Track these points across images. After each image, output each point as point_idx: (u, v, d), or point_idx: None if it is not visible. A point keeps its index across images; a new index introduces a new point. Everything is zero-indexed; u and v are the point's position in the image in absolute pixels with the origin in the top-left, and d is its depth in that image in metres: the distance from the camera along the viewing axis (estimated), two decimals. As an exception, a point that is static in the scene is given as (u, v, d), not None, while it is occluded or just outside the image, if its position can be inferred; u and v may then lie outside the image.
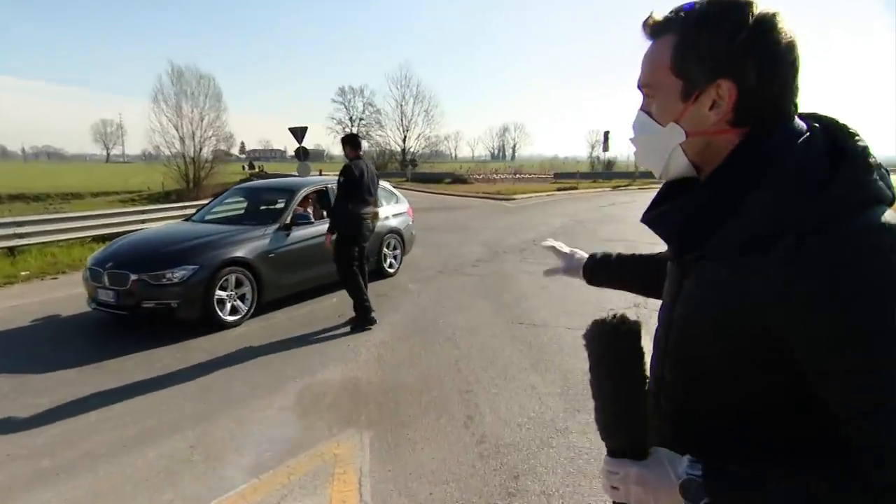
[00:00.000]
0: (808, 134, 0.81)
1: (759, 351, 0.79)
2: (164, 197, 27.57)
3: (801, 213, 0.74)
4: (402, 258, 8.40)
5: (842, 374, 0.71)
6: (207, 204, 7.96)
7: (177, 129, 29.22)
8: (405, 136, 65.29)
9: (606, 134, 37.06)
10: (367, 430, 3.48)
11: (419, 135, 65.36)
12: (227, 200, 7.79)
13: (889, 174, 0.80)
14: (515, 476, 2.95)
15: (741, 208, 0.80)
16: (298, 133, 18.24)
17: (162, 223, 9.62)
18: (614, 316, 0.92)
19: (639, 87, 0.93)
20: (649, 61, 0.89)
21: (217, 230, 6.21)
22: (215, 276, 5.48)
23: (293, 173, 22.84)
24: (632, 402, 0.87)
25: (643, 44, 0.90)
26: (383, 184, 8.91)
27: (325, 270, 6.86)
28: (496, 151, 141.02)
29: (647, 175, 45.67)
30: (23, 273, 8.33)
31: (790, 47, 0.79)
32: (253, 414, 3.74)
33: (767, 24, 0.78)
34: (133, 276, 5.24)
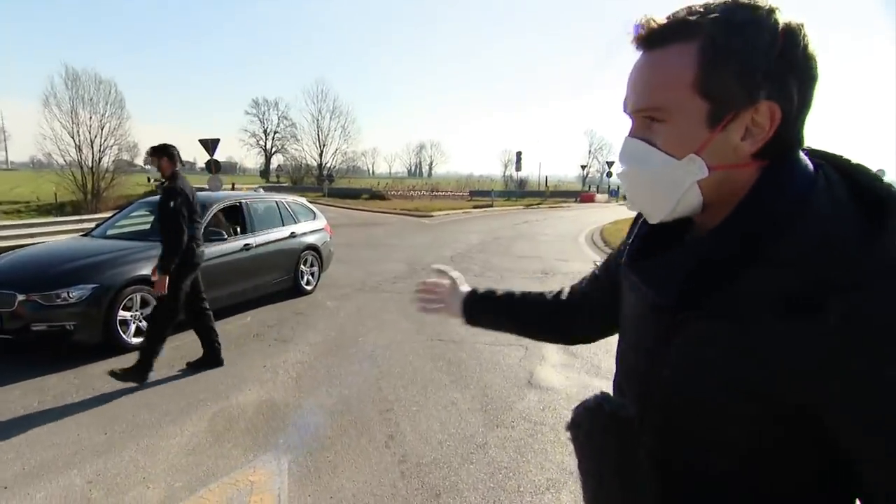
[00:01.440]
0: (821, 172, 0.70)
1: (784, 427, 0.67)
2: (58, 209, 25.33)
3: (850, 271, 0.62)
4: (319, 275, 8.25)
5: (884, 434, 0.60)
6: (110, 218, 7.41)
7: (72, 137, 27.07)
8: (322, 151, 64.36)
9: (519, 154, 38.49)
10: (285, 455, 3.36)
11: (336, 150, 64.67)
12: (132, 214, 7.29)
13: None
14: (437, 494, 2.96)
15: (765, 260, 0.67)
16: (210, 145, 17.50)
17: (56, 238, 8.84)
18: (604, 399, 0.78)
19: (635, 111, 0.75)
20: (655, 76, 0.71)
21: (120, 246, 5.80)
22: (118, 295, 5.10)
23: (204, 186, 21.80)
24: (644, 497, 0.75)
25: (632, 56, 0.74)
26: (300, 200, 8.75)
27: (238, 288, 6.62)
28: (413, 168, 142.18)
29: (559, 194, 48.09)
30: None
31: (817, 65, 0.68)
32: (161, 442, 3.51)
33: (800, 34, 0.66)
34: (20, 297, 4.75)
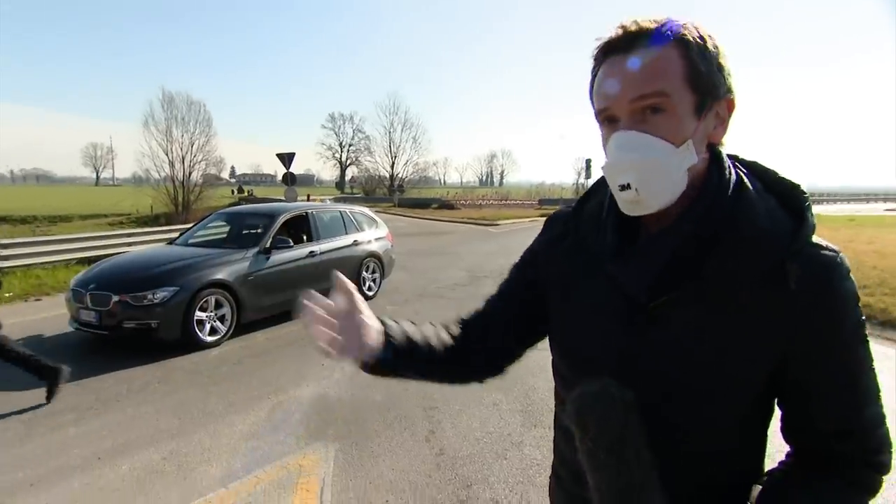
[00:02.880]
0: (743, 164, 0.86)
1: (764, 383, 0.80)
2: (154, 220, 27.56)
3: (786, 242, 0.76)
4: (381, 282, 8.61)
5: (837, 381, 0.78)
6: (191, 227, 8.14)
7: (167, 154, 29.42)
8: (393, 162, 65.99)
9: (588, 161, 37.79)
10: (333, 444, 3.65)
11: (407, 161, 66.12)
12: (209, 224, 7.98)
13: None
14: (468, 484, 3.13)
15: (727, 241, 0.77)
16: (286, 158, 18.50)
17: (147, 246, 9.77)
18: (606, 382, 0.78)
19: (638, 97, 0.76)
20: (660, 67, 0.75)
21: (198, 253, 6.39)
22: (195, 297, 5.65)
23: (280, 198, 23.06)
24: (647, 486, 0.75)
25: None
26: (363, 210, 9.18)
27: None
28: (484, 177, 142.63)
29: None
30: (6, 295, 8.41)
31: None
32: (226, 428, 3.90)
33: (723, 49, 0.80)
34: (115, 297, 5.40)
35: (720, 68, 0.77)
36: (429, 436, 3.77)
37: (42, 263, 10.16)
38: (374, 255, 8.46)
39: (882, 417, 0.79)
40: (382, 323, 0.98)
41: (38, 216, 31.01)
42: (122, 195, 32.22)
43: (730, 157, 0.86)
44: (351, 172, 79.00)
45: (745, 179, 0.81)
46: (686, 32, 0.76)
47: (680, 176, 0.77)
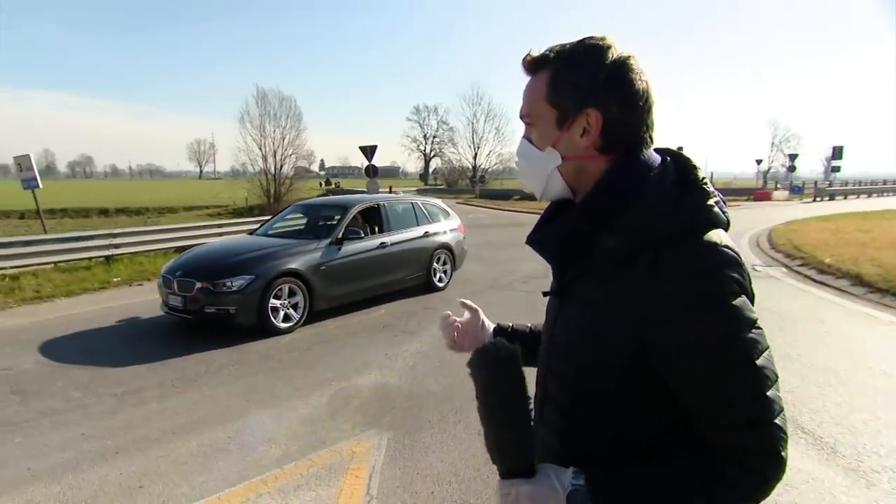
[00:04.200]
0: (662, 164, 0.93)
1: (634, 361, 0.86)
2: (248, 211, 29.27)
3: (660, 231, 0.84)
4: (452, 273, 8.66)
5: (692, 377, 0.82)
6: (271, 218, 8.59)
7: (260, 148, 31.08)
8: (476, 153, 65.97)
9: (679, 150, 35.98)
10: (387, 432, 3.73)
11: (490, 152, 65.87)
12: (287, 216, 8.38)
13: (725, 202, 0.95)
14: (516, 482, 3.08)
15: (612, 227, 0.88)
16: (368, 151, 19.03)
17: (232, 236, 10.43)
18: (494, 343, 0.94)
19: (521, 117, 1.00)
20: (529, 93, 0.97)
21: (275, 243, 6.74)
22: (270, 285, 5.97)
23: (363, 189, 23.77)
24: (518, 424, 0.90)
25: (525, 79, 0.99)
26: (435, 201, 9.25)
27: (373, 283, 7.26)
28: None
29: (728, 192, 43.58)
30: (114, 279, 9.32)
31: (644, 86, 0.91)
32: (289, 412, 4.09)
33: (624, 65, 0.90)
34: (198, 284, 5.82)
35: (580, 87, 0.91)
36: (482, 430, 3.75)
37: (145, 251, 11.13)
38: (445, 247, 8.52)
39: (758, 420, 0.81)
40: (498, 325, 1.42)
41: (149, 208, 33.95)
42: (221, 188, 34.48)
43: (662, 151, 0.97)
44: (434, 164, 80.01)
45: (651, 174, 0.90)
46: (556, 58, 0.94)
47: (547, 174, 0.97)
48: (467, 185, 55.40)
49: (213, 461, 3.38)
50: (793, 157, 42.48)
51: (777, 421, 0.82)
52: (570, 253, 0.95)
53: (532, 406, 0.92)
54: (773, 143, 75.73)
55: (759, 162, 52.52)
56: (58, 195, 39.05)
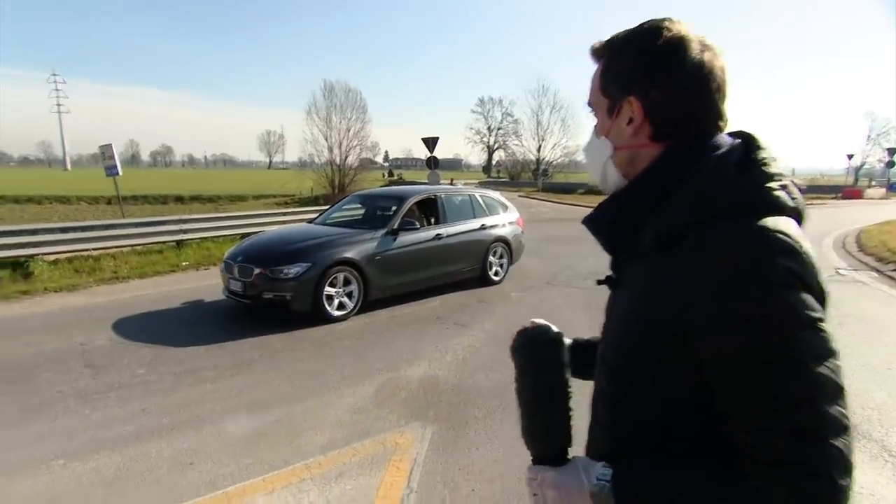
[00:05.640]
0: (728, 146, 0.85)
1: (677, 351, 0.79)
2: (313, 201, 30.14)
3: (708, 211, 0.78)
4: (508, 267, 8.54)
5: (728, 370, 0.73)
6: (330, 207, 8.76)
7: (326, 139, 31.89)
8: (540, 146, 64.89)
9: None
10: (432, 426, 3.71)
11: (555, 144, 64.61)
12: (345, 206, 8.53)
13: (797, 186, 0.85)
14: (560, 485, 2.98)
15: (659, 209, 0.84)
16: (430, 143, 19.09)
17: (293, 224, 10.73)
18: (535, 326, 0.97)
19: (587, 104, 1.00)
20: (591, 83, 0.98)
21: (332, 232, 6.87)
22: (325, 273, 6.08)
23: (424, 181, 23.93)
24: (551, 409, 0.91)
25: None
26: (493, 193, 9.14)
27: (427, 274, 7.26)
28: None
29: (814, 189, 40.65)
30: (183, 263, 9.82)
31: (704, 67, 0.85)
32: (336, 400, 4.15)
33: (675, 47, 0.86)
34: (256, 270, 6.01)
35: (623, 75, 0.91)
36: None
37: (212, 237, 11.65)
38: (502, 240, 8.41)
39: (804, 432, 0.69)
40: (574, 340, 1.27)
41: (221, 196, 35.60)
42: (288, 178, 35.75)
43: (735, 134, 0.90)
44: (498, 156, 79.51)
45: (709, 156, 0.85)
46: (607, 47, 0.95)
47: (603, 163, 0.97)
48: (530, 178, 54.71)
49: (260, 444, 3.47)
50: (892, 151, 39.18)
51: (835, 441, 0.69)
52: (619, 235, 0.93)
53: (570, 395, 0.94)
54: (869, 137, 70.05)
55: (850, 157, 48.80)
56: (140, 182, 41.61)
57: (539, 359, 0.94)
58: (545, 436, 0.92)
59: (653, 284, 0.83)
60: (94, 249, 9.82)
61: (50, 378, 4.54)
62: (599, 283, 1.03)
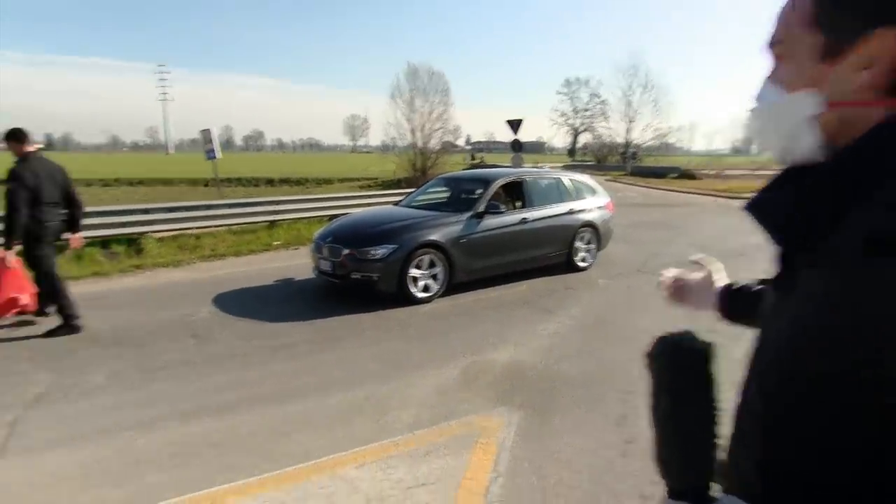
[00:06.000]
0: None
1: (872, 387, 0.58)
2: (395, 184, 30.74)
3: None
4: (596, 253, 8.32)
5: None
6: (415, 190, 8.88)
7: (408, 123, 32.35)
8: (629, 128, 62.37)
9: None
10: (518, 411, 3.70)
11: (645, 126, 61.85)
12: (431, 188, 8.61)
13: None
14: (653, 482, 2.88)
15: (870, 202, 0.61)
16: (514, 125, 18.87)
17: (380, 206, 11.00)
18: (680, 332, 0.83)
19: (769, 46, 0.76)
20: (783, 15, 0.74)
21: (418, 215, 6.97)
22: (411, 255, 6.19)
23: (507, 164, 23.72)
24: (691, 434, 0.78)
25: None
26: (582, 177, 8.91)
27: (512, 259, 7.21)
28: (740, 145, 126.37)
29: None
30: (275, 243, 10.35)
31: None
32: (422, 380, 4.23)
33: None
34: (345, 251, 6.21)
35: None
36: (620, 420, 3.57)
37: (302, 218, 12.18)
38: (590, 225, 8.19)
39: None
40: (728, 286, 1.19)
41: (308, 179, 37.11)
42: (371, 161, 36.68)
43: None
44: (584, 139, 77.38)
45: None
46: None
47: (795, 125, 0.70)
48: (618, 162, 52.81)
49: (349, 419, 3.61)
50: None
51: None
52: (801, 229, 0.69)
53: (719, 419, 0.79)
54: None
55: None
56: (234, 166, 44.14)
57: (682, 372, 0.80)
58: (683, 467, 0.79)
59: (851, 299, 0.60)
60: (196, 228, 10.54)
61: (161, 346, 4.94)
62: (764, 283, 0.83)
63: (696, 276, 1.26)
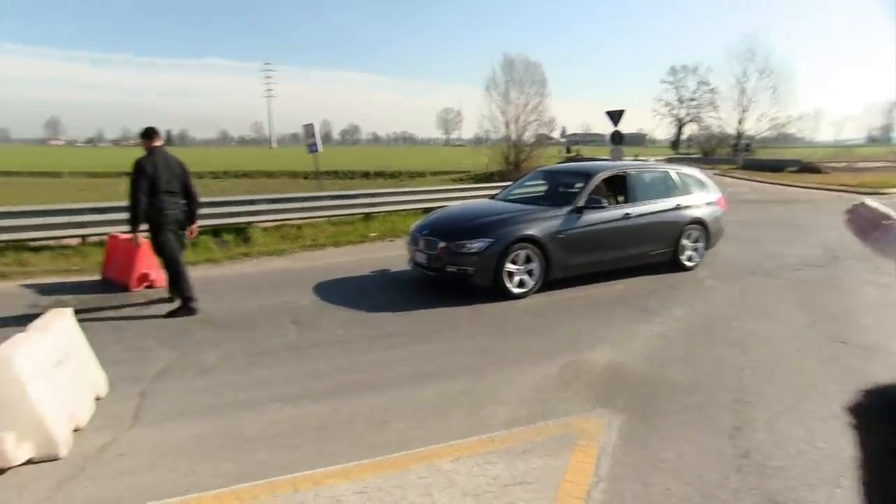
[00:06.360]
0: None
1: None
2: (488, 177, 30.77)
3: None
4: (704, 252, 7.87)
5: None
6: (512, 184, 8.83)
7: (503, 115, 32.21)
8: (741, 118, 58.18)
9: None
10: (619, 415, 3.57)
11: (761, 115, 57.46)
12: (528, 182, 8.52)
13: None
14: (775, 502, 2.68)
15: None
16: (615, 116, 18.20)
17: (476, 199, 11.04)
18: None
19: None
20: None
21: (514, 209, 6.92)
22: (507, 250, 6.16)
23: (605, 157, 23.00)
24: None
25: None
26: (691, 171, 8.46)
27: (613, 256, 6.99)
28: (879, 134, 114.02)
29: None
30: (371, 234, 10.69)
31: None
32: (518, 376, 4.20)
33: None
34: (441, 244, 6.29)
35: None
36: (733, 433, 3.35)
37: (397, 211, 12.50)
38: (698, 222, 7.75)
39: None
40: None
41: (402, 172, 38.00)
42: (464, 154, 36.91)
43: None
44: (689, 130, 73.31)
45: None
46: None
47: None
48: (728, 154, 49.53)
49: (445, 411, 3.65)
50: None
51: None
52: None
53: None
54: None
55: None
56: (331, 159, 46.02)
57: None
58: None
59: None
60: (297, 219, 11.12)
61: (266, 331, 5.26)
62: None
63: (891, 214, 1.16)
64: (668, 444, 3.21)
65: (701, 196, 8.00)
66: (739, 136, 55.36)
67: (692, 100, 71.84)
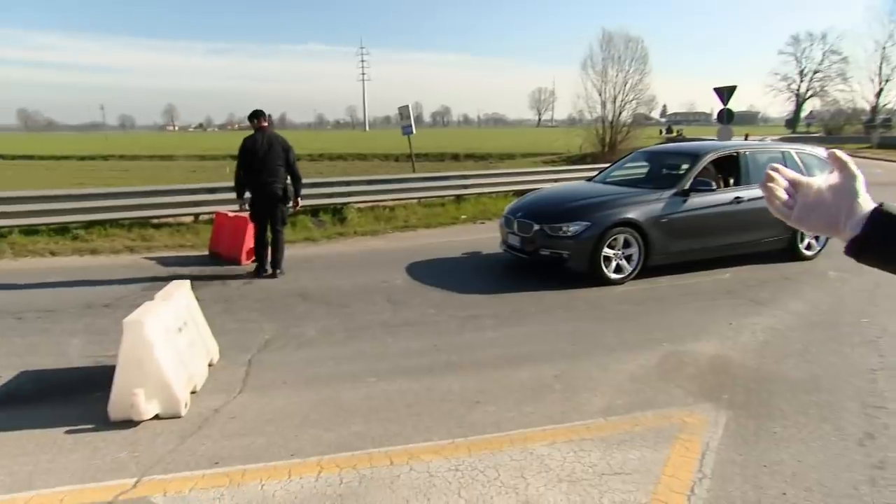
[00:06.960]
0: None
1: None
2: (580, 159, 29.97)
3: None
4: (827, 240, 7.25)
5: None
6: (611, 165, 8.54)
7: (600, 94, 31.12)
8: (880, 90, 52.19)
9: None
10: (726, 411, 3.39)
11: (906, 85, 50.99)
12: (628, 163, 8.21)
13: None
14: (913, 519, 2.46)
15: None
16: (725, 93, 17.11)
17: (572, 182, 10.79)
18: None
19: None
20: None
21: (613, 191, 6.71)
22: (605, 234, 5.99)
23: (711, 137, 21.67)
24: None
25: None
26: (814, 150, 7.82)
27: (720, 242, 6.62)
28: None
29: None
30: (462, 216, 10.76)
31: None
32: (615, 364, 4.10)
33: None
34: (536, 226, 6.22)
35: None
36: (864, 439, 3.08)
37: (488, 193, 12.48)
38: (821, 207, 7.13)
39: None
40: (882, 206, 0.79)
41: (492, 154, 37.85)
42: (557, 135, 36.14)
43: None
44: (810, 106, 67.36)
45: None
46: None
47: None
48: (858, 133, 45.06)
49: (539, 395, 3.63)
50: None
51: None
52: None
53: None
54: None
55: None
56: (422, 141, 46.64)
57: None
58: None
59: None
60: (391, 200, 11.39)
61: (362, 308, 5.47)
62: None
63: (825, 180, 0.85)
64: (783, 446, 3.01)
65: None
66: (876, 110, 49.98)
67: (816, 72, 65.96)
